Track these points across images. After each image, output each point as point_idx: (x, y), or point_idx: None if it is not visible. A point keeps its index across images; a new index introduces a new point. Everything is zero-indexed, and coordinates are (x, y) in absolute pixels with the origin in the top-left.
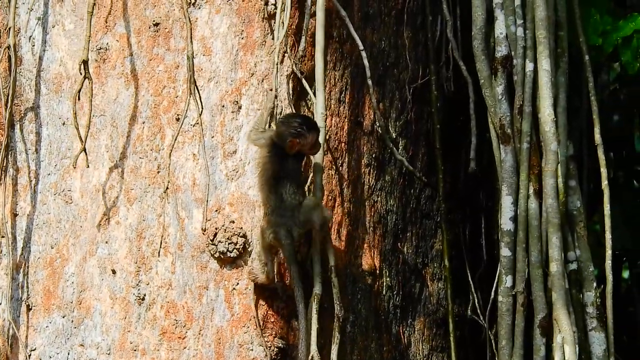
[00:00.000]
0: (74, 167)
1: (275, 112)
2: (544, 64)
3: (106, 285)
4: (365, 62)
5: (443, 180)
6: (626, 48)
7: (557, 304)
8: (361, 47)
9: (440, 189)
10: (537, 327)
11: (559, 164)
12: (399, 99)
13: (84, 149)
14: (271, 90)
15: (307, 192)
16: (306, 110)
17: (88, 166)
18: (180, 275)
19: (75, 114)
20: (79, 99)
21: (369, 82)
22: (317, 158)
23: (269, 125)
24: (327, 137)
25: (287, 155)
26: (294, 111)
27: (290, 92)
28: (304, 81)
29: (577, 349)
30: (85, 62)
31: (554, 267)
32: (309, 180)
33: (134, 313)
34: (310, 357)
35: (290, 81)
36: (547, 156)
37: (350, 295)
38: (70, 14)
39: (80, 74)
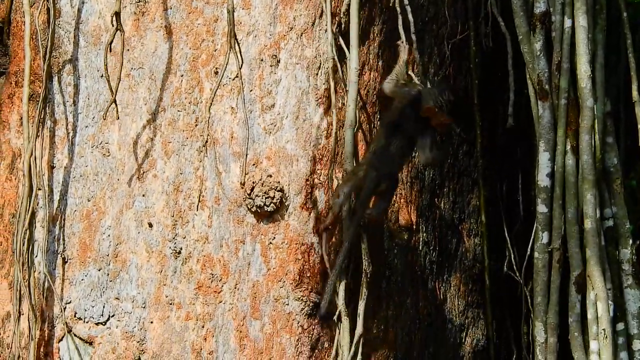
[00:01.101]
0: (104, 119)
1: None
2: (581, 21)
3: (142, 238)
4: (410, 17)
5: (481, 135)
6: None
7: (591, 261)
8: (406, 2)
9: (478, 145)
10: (573, 283)
11: (597, 121)
12: (437, 54)
13: (114, 101)
14: (403, 43)
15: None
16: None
17: (118, 118)
18: (217, 229)
19: (107, 66)
20: (110, 50)
21: (413, 37)
22: None
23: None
24: (366, 92)
25: (415, 114)
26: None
27: (331, 47)
28: (339, 36)
29: (612, 305)
30: (117, 14)
31: (589, 223)
32: None
33: (170, 267)
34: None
35: (330, 36)
36: (584, 113)
37: (386, 251)
38: None
39: (112, 25)
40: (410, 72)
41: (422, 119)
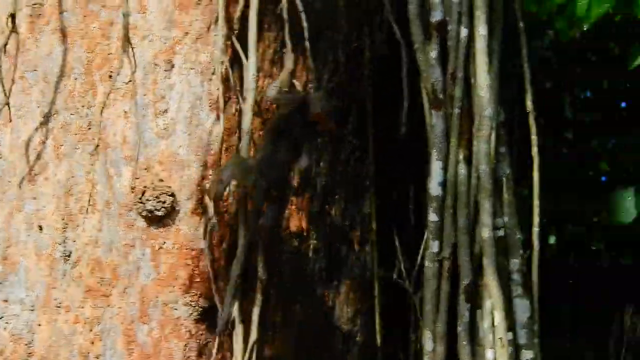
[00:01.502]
0: None
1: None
2: (481, 30)
3: (32, 241)
4: (304, 23)
5: (373, 143)
6: (561, 16)
7: (487, 270)
8: (301, 9)
9: (370, 152)
10: (462, 293)
11: (492, 130)
12: (332, 61)
13: (8, 104)
14: (288, 50)
15: None
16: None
17: (11, 120)
18: (107, 233)
19: (0, 68)
20: (5, 53)
21: (307, 44)
22: None
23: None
24: (260, 99)
25: (302, 120)
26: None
27: (225, 53)
28: (236, 42)
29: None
30: (12, 16)
31: (486, 232)
32: None
33: (60, 270)
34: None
35: (226, 42)
36: (481, 122)
37: (276, 258)
38: None
39: (7, 27)
40: (295, 81)
41: (309, 124)
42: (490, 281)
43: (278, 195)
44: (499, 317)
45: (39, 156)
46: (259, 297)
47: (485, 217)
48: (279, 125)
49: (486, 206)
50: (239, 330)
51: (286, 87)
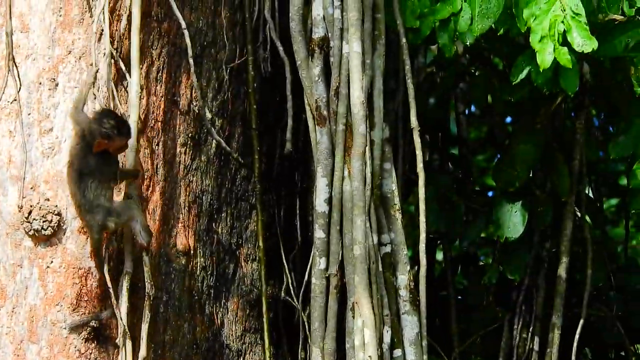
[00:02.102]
0: None
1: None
2: (355, 46)
3: None
4: (187, 40)
5: (259, 161)
6: (443, 31)
7: (359, 287)
8: (184, 26)
9: (256, 170)
10: (350, 309)
11: (375, 147)
12: (215, 79)
13: None
14: (91, 65)
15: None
16: (123, 88)
17: None
18: None
19: None
20: None
21: (190, 61)
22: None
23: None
24: (143, 116)
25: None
26: (112, 96)
27: (109, 70)
28: (118, 59)
29: (390, 331)
30: None
31: (357, 249)
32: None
33: None
34: (121, 335)
35: (108, 59)
36: (356, 139)
37: (163, 275)
38: None
39: None
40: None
41: (100, 153)
42: (362, 298)
43: (119, 220)
44: (369, 335)
45: None
46: (147, 314)
47: (358, 234)
48: (78, 165)
49: (359, 223)
50: (128, 347)
51: (83, 103)
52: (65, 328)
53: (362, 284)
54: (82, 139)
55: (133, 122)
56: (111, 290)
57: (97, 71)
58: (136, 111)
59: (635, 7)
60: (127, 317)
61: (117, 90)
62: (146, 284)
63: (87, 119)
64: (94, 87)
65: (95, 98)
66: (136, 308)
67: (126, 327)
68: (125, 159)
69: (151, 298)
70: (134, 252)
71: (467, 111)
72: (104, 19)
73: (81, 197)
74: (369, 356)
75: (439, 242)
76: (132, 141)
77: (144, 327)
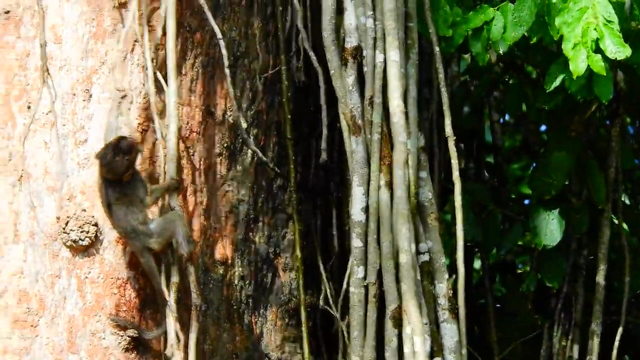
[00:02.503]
0: None
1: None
2: (393, 55)
3: None
4: (223, 50)
5: (294, 170)
6: (476, 39)
7: (406, 295)
8: (219, 36)
9: (292, 179)
10: (389, 318)
11: (410, 155)
12: (249, 89)
13: None
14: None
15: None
16: (159, 98)
17: None
18: (32, 263)
19: None
20: None
21: (226, 71)
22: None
23: None
24: (179, 127)
25: (115, 180)
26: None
27: (143, 81)
28: (152, 69)
29: (429, 340)
30: None
31: (404, 257)
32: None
33: None
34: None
35: (143, 70)
36: (397, 147)
37: (202, 285)
38: None
39: None
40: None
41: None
42: (410, 306)
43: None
44: (419, 343)
45: None
46: (194, 324)
47: (404, 242)
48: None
49: (404, 231)
50: (177, 357)
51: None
52: (104, 338)
53: (410, 292)
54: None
55: (172, 133)
56: (170, 300)
57: (177, 182)
58: (175, 121)
59: None
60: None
61: (152, 102)
62: (192, 294)
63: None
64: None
65: (129, 109)
66: (182, 317)
67: (177, 338)
68: (167, 170)
69: (197, 308)
70: (179, 262)
71: (501, 119)
72: (138, 30)
73: (118, 227)
74: None
75: (476, 250)
76: (171, 152)
77: (192, 337)
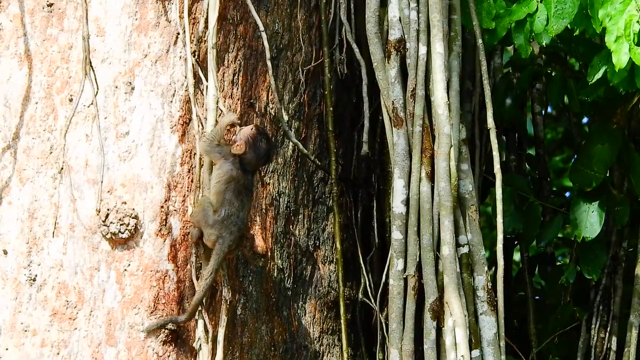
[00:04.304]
0: None
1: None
2: (438, 47)
3: None
4: (266, 43)
5: (335, 163)
6: (519, 32)
7: (448, 287)
8: (262, 29)
9: (333, 172)
10: (428, 310)
11: (452, 148)
12: (292, 81)
13: None
14: (226, 109)
15: None
16: (199, 92)
17: None
18: (71, 256)
19: None
20: None
21: (268, 63)
22: None
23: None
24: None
25: (248, 171)
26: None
27: (185, 74)
28: (194, 62)
29: (468, 332)
30: None
31: (446, 250)
32: None
33: (25, 293)
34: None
35: (185, 63)
36: (440, 139)
37: (241, 278)
38: None
39: None
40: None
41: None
42: (452, 298)
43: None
44: (460, 335)
45: (2, 180)
46: (224, 318)
47: (447, 235)
48: (237, 178)
49: (446, 223)
50: (205, 350)
51: (217, 141)
52: (143, 331)
53: (452, 284)
54: (239, 162)
55: (210, 126)
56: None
57: (236, 118)
58: (213, 115)
59: None
60: (207, 320)
61: (194, 94)
62: (223, 288)
63: (228, 149)
64: (229, 128)
65: (171, 102)
66: (215, 310)
67: (205, 331)
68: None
69: (228, 302)
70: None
71: (543, 112)
72: (180, 23)
73: (236, 210)
74: (462, 355)
75: (516, 242)
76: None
77: (221, 331)
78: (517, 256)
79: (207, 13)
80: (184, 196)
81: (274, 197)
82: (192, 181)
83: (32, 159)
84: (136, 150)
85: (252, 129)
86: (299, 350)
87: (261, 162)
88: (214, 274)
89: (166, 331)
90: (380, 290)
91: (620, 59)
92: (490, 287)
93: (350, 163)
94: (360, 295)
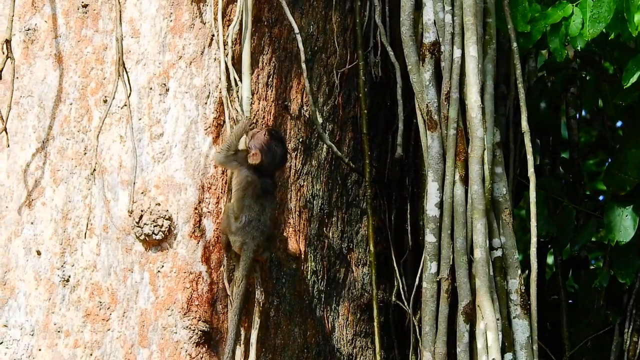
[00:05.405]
0: None
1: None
2: (471, 51)
3: (31, 266)
4: (300, 45)
5: (369, 165)
6: (554, 35)
7: (480, 291)
8: (296, 31)
9: (367, 174)
10: (461, 313)
11: (486, 151)
12: (326, 84)
13: (5, 129)
14: (247, 117)
15: None
16: (234, 93)
17: (8, 146)
18: (105, 257)
19: None
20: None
21: (303, 66)
22: None
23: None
24: (254, 121)
25: (261, 173)
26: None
27: (221, 76)
28: (228, 64)
29: (501, 336)
30: (8, 42)
31: (479, 253)
32: None
33: (59, 294)
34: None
35: (219, 65)
36: (474, 142)
37: (275, 280)
38: None
39: (3, 53)
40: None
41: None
42: (484, 302)
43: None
44: (492, 338)
45: (36, 181)
46: (257, 320)
47: (479, 238)
48: (256, 183)
49: (479, 227)
50: (238, 352)
51: (232, 150)
52: (176, 332)
53: (484, 288)
54: (254, 168)
55: (242, 129)
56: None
57: (253, 122)
58: (249, 116)
59: None
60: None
61: (229, 96)
62: (256, 290)
63: (243, 155)
64: (246, 135)
65: (206, 104)
66: (248, 313)
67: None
68: None
69: (261, 305)
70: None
71: (577, 115)
72: (215, 25)
73: (258, 214)
74: (493, 359)
75: (549, 246)
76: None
77: (254, 333)
78: (550, 259)
79: (242, 15)
80: (217, 198)
81: (307, 199)
82: (225, 183)
83: (66, 160)
84: (170, 151)
85: (265, 135)
86: (331, 352)
87: (278, 167)
88: (245, 280)
89: (199, 333)
90: (413, 293)
91: None
92: (523, 290)
93: (384, 166)
94: (393, 298)
